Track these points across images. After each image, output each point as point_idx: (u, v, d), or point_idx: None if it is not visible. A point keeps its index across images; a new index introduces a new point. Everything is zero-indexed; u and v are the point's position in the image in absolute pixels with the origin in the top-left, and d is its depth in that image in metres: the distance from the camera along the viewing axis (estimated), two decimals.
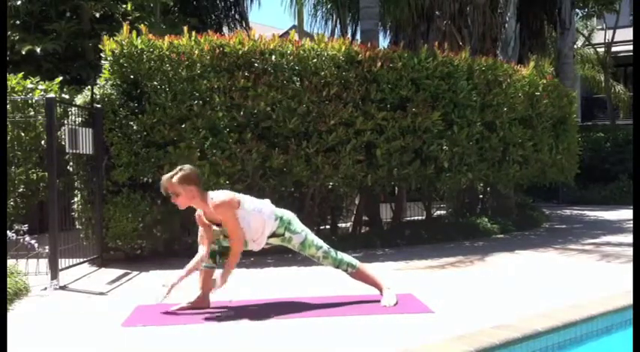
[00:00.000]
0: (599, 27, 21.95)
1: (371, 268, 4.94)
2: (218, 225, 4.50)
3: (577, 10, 18.51)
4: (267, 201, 4.66)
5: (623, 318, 4.36)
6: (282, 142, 7.37)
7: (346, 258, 4.70)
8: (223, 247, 4.62)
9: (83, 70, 11.67)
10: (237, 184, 7.25)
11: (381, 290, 4.70)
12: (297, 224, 4.65)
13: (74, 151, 6.62)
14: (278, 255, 7.42)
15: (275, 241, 4.64)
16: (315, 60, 7.59)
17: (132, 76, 7.11)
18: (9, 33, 11.43)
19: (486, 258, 7.17)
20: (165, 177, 4.48)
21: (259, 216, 4.49)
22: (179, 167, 4.51)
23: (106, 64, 7.20)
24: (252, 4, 20.85)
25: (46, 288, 5.45)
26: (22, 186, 8.76)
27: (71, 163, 7.18)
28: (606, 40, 19.82)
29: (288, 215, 4.66)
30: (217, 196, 4.44)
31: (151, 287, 5.74)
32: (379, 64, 7.86)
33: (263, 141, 7.28)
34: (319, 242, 4.68)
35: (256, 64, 7.34)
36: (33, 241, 6.02)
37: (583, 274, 6.08)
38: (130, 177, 7.01)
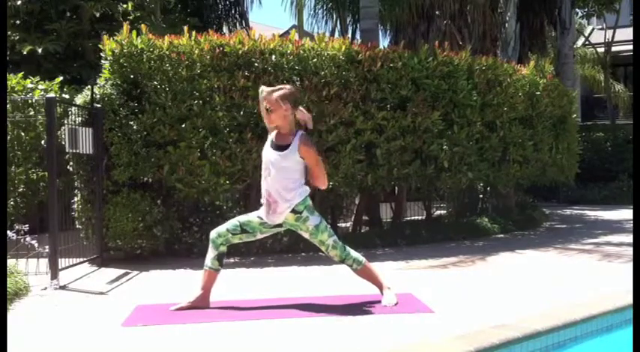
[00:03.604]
0: (599, 27, 21.95)
1: (376, 267, 4.93)
2: (280, 148, 4.46)
3: (577, 10, 18.53)
4: (307, 191, 4.63)
5: (623, 318, 4.36)
6: None
7: (353, 253, 4.68)
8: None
9: (83, 70, 11.68)
10: (237, 184, 7.25)
11: (381, 289, 4.70)
12: (315, 210, 4.62)
13: (74, 151, 6.62)
14: (278, 255, 7.43)
15: (291, 219, 4.53)
16: (315, 60, 7.59)
17: (132, 76, 7.11)
18: (9, 33, 11.44)
19: (487, 258, 7.17)
20: (267, 88, 4.49)
21: (301, 180, 4.51)
22: (283, 85, 4.59)
23: (106, 64, 7.19)
24: (252, 4, 20.86)
25: (46, 288, 5.45)
26: (22, 186, 8.76)
27: (71, 163, 7.18)
28: (606, 40, 19.82)
29: (311, 201, 4.62)
30: (306, 137, 4.47)
31: (150, 286, 5.76)
32: (379, 63, 7.86)
33: (263, 140, 7.23)
34: (332, 231, 4.66)
35: (256, 64, 7.34)
36: (33, 241, 6.02)
37: (583, 274, 6.08)
38: (130, 177, 7.01)
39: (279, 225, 4.64)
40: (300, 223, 4.56)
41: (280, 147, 4.47)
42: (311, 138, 4.61)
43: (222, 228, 4.62)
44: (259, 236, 4.76)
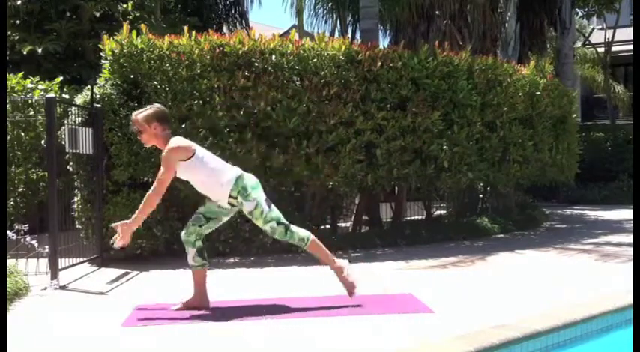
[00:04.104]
0: (599, 27, 21.96)
1: (323, 249, 4.68)
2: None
3: (577, 10, 18.53)
4: (234, 168, 4.54)
5: (623, 318, 4.36)
6: (282, 142, 7.37)
7: (300, 234, 4.55)
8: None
9: (83, 70, 11.68)
10: None
11: (332, 267, 4.59)
12: (254, 192, 4.47)
13: (74, 151, 6.62)
14: (278, 254, 7.43)
15: (234, 202, 4.50)
16: (315, 60, 7.59)
17: (132, 76, 7.11)
18: (9, 33, 11.44)
19: (487, 258, 7.17)
20: (135, 112, 4.56)
21: (211, 176, 4.43)
22: (151, 105, 4.62)
23: (106, 64, 7.20)
24: (252, 4, 20.80)
25: (46, 288, 5.45)
26: (22, 186, 8.76)
27: (71, 163, 7.18)
28: (606, 40, 19.83)
29: (249, 181, 4.49)
30: (174, 141, 4.41)
31: (150, 286, 5.76)
32: (379, 63, 7.86)
33: (263, 141, 7.28)
34: (272, 215, 4.48)
35: (256, 64, 7.34)
36: (33, 241, 6.02)
37: (583, 274, 6.08)
38: (130, 177, 7.01)
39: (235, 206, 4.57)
40: (241, 207, 4.52)
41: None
42: (185, 142, 4.47)
43: (188, 227, 4.61)
44: (225, 219, 4.68)
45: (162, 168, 4.39)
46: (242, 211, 4.59)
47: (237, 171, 4.53)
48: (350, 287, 4.57)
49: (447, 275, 6.13)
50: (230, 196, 4.47)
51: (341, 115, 7.55)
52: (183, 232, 4.63)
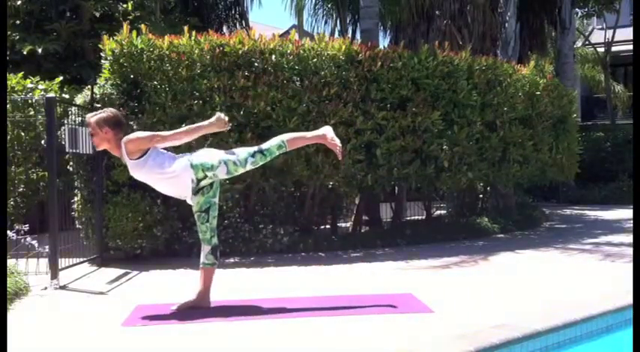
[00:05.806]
0: (599, 27, 21.97)
1: (297, 135, 4.90)
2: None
3: (577, 10, 18.54)
4: (182, 157, 4.48)
5: (623, 318, 4.36)
6: None
7: (274, 144, 4.58)
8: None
9: (83, 70, 11.66)
10: (237, 184, 7.25)
11: (317, 141, 4.78)
12: (211, 159, 4.43)
13: (74, 151, 6.62)
14: (278, 254, 7.44)
15: (205, 182, 4.47)
16: (315, 59, 7.60)
17: (132, 76, 7.11)
18: (9, 33, 11.43)
19: (487, 258, 7.17)
20: (89, 114, 4.58)
21: (166, 172, 4.39)
22: (106, 109, 4.64)
23: (106, 64, 7.20)
24: (252, 4, 20.90)
25: (46, 288, 5.45)
26: (22, 186, 8.76)
27: (71, 163, 7.18)
28: (606, 40, 19.83)
29: (199, 156, 4.46)
30: (128, 136, 4.40)
31: (151, 286, 5.76)
32: (379, 63, 7.86)
33: (263, 140, 7.25)
34: (243, 156, 4.49)
35: (256, 64, 7.34)
36: (33, 241, 6.02)
37: (583, 274, 6.08)
38: (130, 177, 6.96)
39: (211, 186, 4.53)
40: (219, 178, 4.51)
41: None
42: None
43: (199, 227, 4.59)
44: (216, 199, 4.63)
45: (137, 140, 4.36)
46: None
47: (185, 157, 4.48)
48: (334, 147, 4.69)
49: (447, 275, 6.12)
50: (198, 180, 4.42)
51: (341, 115, 7.55)
52: (200, 232, 4.60)
